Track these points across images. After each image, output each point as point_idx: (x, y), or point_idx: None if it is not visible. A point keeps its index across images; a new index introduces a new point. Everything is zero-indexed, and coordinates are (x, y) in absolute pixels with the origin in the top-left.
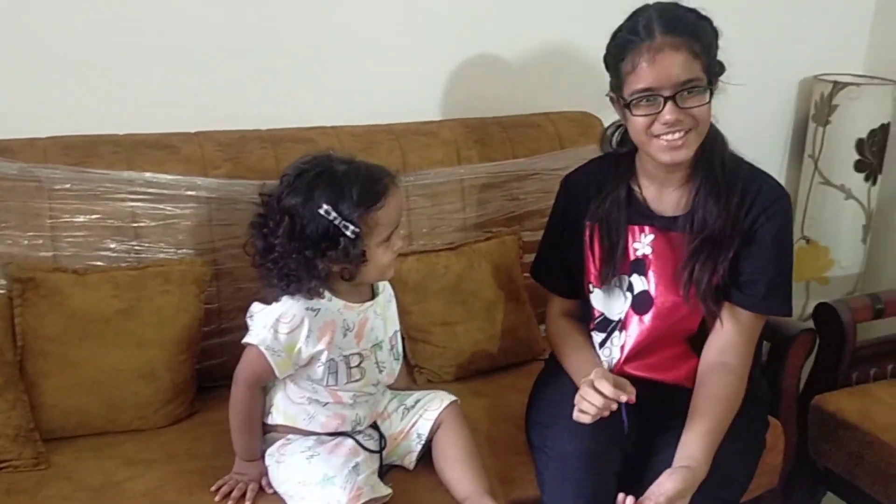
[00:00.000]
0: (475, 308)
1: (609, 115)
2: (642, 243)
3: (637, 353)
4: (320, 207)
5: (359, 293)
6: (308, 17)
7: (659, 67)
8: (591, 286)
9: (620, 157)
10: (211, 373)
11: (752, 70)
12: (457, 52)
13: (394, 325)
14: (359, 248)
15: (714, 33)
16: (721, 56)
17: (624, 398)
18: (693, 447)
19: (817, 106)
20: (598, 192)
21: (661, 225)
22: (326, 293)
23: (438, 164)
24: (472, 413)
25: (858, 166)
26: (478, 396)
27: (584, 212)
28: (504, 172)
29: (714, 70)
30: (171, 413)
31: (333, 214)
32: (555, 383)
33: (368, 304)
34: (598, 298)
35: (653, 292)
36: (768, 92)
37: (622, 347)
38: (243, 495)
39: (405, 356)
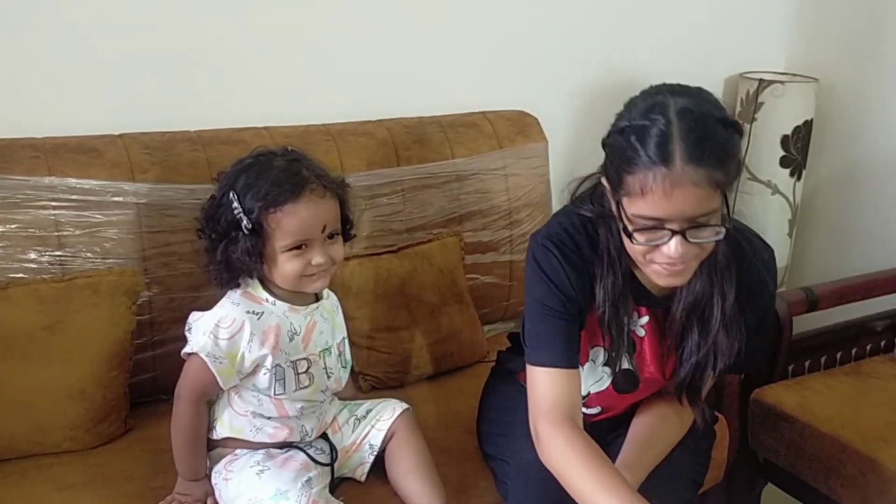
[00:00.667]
0: (419, 312)
1: (545, 113)
2: (635, 322)
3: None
4: (229, 193)
5: (302, 296)
6: (239, 12)
7: (674, 203)
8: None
9: (609, 217)
10: (144, 388)
11: (678, 68)
12: (393, 50)
13: (342, 331)
14: (254, 248)
15: (739, 136)
16: (648, 54)
17: None
18: (628, 455)
19: (743, 104)
20: (597, 260)
21: (654, 304)
22: (269, 296)
23: (377, 165)
24: (422, 420)
25: (784, 162)
26: (426, 402)
27: (588, 285)
28: (443, 173)
29: (732, 181)
30: (104, 432)
31: (235, 204)
32: (503, 392)
33: (314, 306)
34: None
35: (640, 374)
36: None
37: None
38: None
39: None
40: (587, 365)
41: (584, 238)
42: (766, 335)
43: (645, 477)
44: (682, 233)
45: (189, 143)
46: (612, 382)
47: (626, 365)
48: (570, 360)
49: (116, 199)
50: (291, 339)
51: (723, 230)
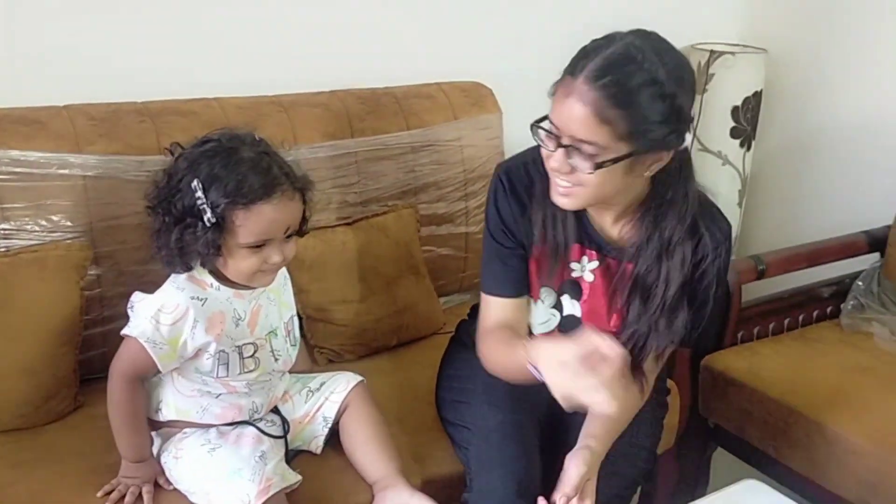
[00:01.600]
0: (375, 284)
1: (500, 84)
2: (582, 266)
3: None
4: (192, 181)
5: None
6: None
7: (561, 109)
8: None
9: None
10: (93, 364)
11: None
12: (347, 20)
13: (290, 309)
14: (214, 241)
15: (667, 111)
16: (603, 24)
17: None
18: (594, 426)
19: (695, 75)
20: (547, 194)
21: (605, 251)
22: (213, 281)
23: (330, 136)
24: (379, 391)
25: (734, 133)
26: (382, 374)
27: (533, 213)
28: (398, 144)
29: (641, 147)
30: (54, 409)
31: (199, 193)
32: (462, 359)
33: (260, 290)
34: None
35: (584, 319)
36: None
37: None
38: (138, 499)
39: (304, 337)
40: (538, 303)
41: (541, 173)
42: (712, 313)
43: (611, 446)
44: (565, 147)
45: (136, 114)
46: (559, 325)
47: (571, 310)
48: (516, 289)
49: (62, 171)
50: (237, 325)
51: (591, 167)
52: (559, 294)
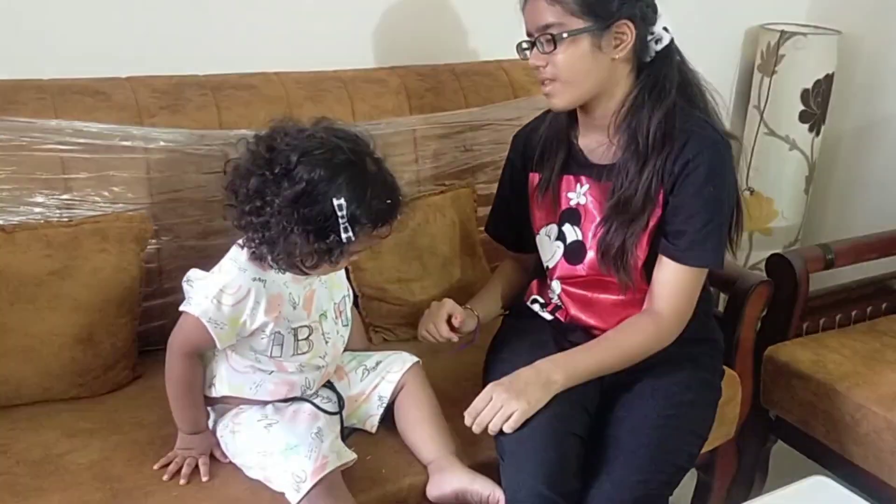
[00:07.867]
0: (431, 264)
1: None
2: (577, 193)
3: (577, 301)
4: (336, 198)
5: None
6: None
7: (528, 10)
8: (535, 235)
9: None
10: (152, 335)
11: (696, 18)
12: None
13: (340, 290)
14: (342, 255)
15: None
16: (668, 4)
17: (454, 338)
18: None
19: (763, 56)
20: (543, 143)
21: (596, 174)
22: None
23: (389, 113)
24: (432, 372)
25: (803, 117)
26: (435, 356)
27: (531, 163)
28: (457, 122)
29: (596, 22)
30: (112, 379)
31: (344, 212)
32: (510, 344)
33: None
34: (540, 244)
35: (588, 243)
36: (713, 41)
37: (560, 296)
38: (195, 470)
39: (360, 315)
40: (544, 241)
41: (542, 126)
42: (711, 222)
43: (656, 427)
44: (534, 43)
45: (198, 87)
46: (564, 254)
47: (573, 237)
48: (521, 243)
49: (125, 143)
50: (294, 308)
51: (553, 45)
52: (560, 225)
